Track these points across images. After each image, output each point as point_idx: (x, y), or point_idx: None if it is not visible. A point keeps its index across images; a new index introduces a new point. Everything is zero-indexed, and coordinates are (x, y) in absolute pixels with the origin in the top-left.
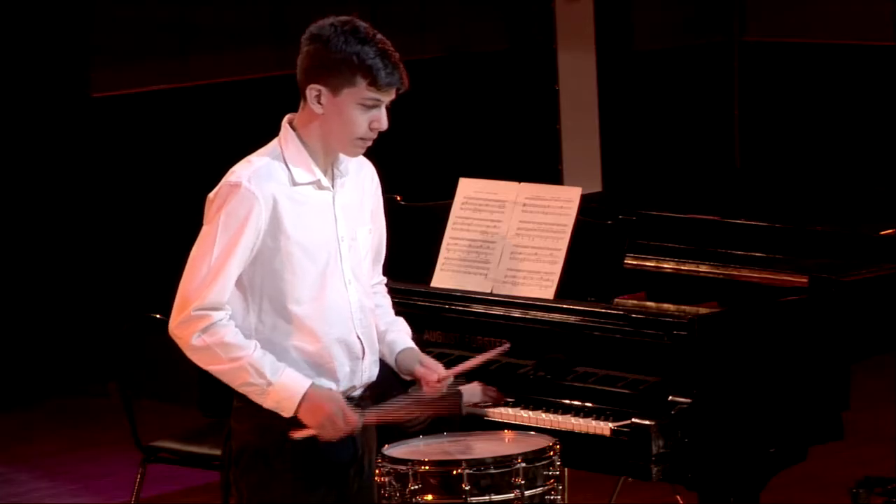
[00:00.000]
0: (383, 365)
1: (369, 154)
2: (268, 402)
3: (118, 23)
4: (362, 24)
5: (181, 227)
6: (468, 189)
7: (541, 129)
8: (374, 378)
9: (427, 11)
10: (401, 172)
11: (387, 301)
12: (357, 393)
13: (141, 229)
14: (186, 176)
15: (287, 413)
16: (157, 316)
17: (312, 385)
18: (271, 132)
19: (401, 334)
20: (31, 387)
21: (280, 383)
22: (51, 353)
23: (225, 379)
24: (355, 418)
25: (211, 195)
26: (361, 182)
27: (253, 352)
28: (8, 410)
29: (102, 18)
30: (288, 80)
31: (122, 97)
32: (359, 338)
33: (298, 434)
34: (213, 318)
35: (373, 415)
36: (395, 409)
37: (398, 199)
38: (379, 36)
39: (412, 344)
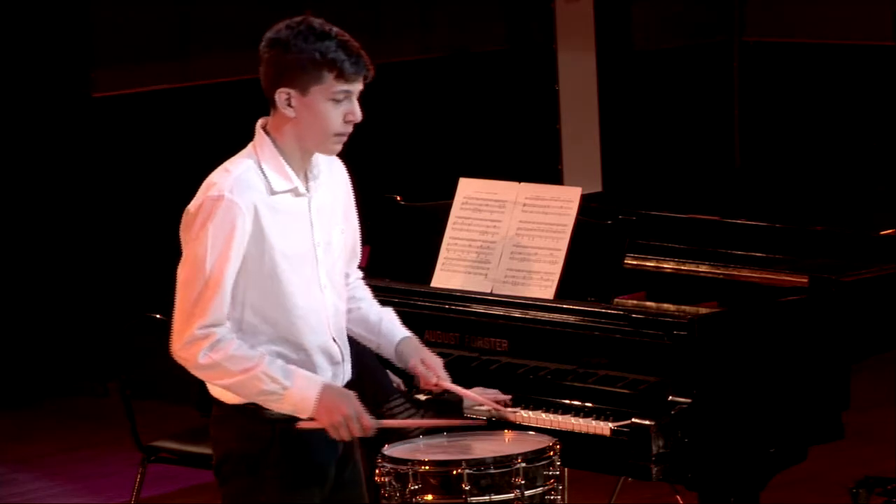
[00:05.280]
0: (380, 361)
1: (366, 154)
2: (285, 407)
3: (119, 23)
4: (317, 21)
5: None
6: (468, 189)
7: (541, 129)
8: (350, 377)
9: (427, 12)
10: (401, 172)
11: (368, 293)
12: None
13: (141, 229)
14: (187, 176)
15: (305, 414)
16: (157, 316)
17: (326, 384)
18: None
19: (395, 323)
20: (30, 387)
21: (296, 386)
22: (50, 353)
23: (239, 391)
24: (370, 424)
25: (192, 209)
26: (333, 182)
27: (262, 359)
28: (8, 410)
29: (103, 18)
30: None
31: (123, 97)
32: (335, 341)
33: (306, 426)
34: (218, 335)
35: (388, 423)
36: (412, 422)
37: (398, 199)
38: (336, 29)
39: (409, 333)
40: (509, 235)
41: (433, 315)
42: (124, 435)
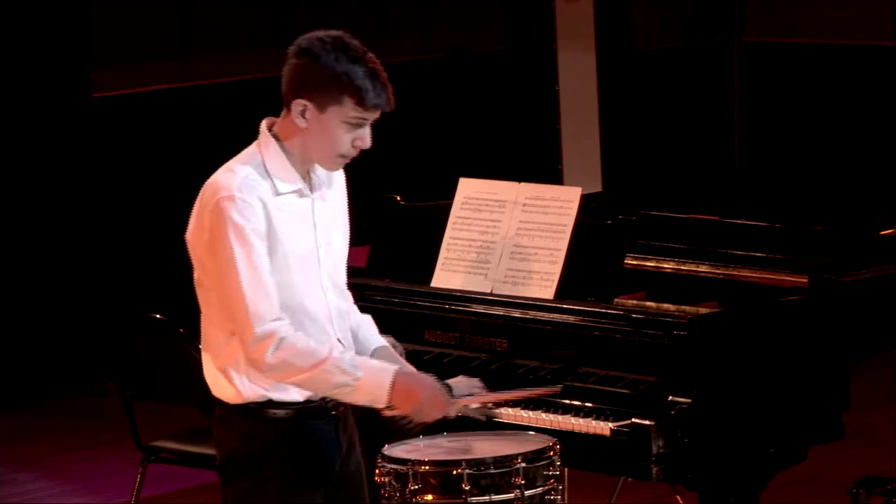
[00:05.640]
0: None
1: (367, 153)
2: (361, 398)
3: (119, 23)
4: (353, 42)
5: (181, 227)
6: (468, 189)
7: (541, 129)
8: None
9: (427, 12)
10: (401, 172)
11: (349, 299)
12: None
13: (141, 229)
14: (187, 176)
15: (381, 404)
16: (157, 316)
17: (399, 370)
18: None
19: (372, 331)
20: (30, 387)
21: (367, 376)
22: (50, 353)
23: (311, 387)
24: (447, 406)
25: (203, 215)
26: (332, 184)
27: (331, 353)
28: (8, 410)
29: (103, 18)
30: None
31: (123, 97)
32: (340, 342)
33: (388, 414)
34: (279, 333)
35: (465, 402)
36: (490, 397)
37: (398, 199)
38: (370, 55)
39: (384, 342)
40: (509, 235)
41: (433, 315)
42: (124, 435)
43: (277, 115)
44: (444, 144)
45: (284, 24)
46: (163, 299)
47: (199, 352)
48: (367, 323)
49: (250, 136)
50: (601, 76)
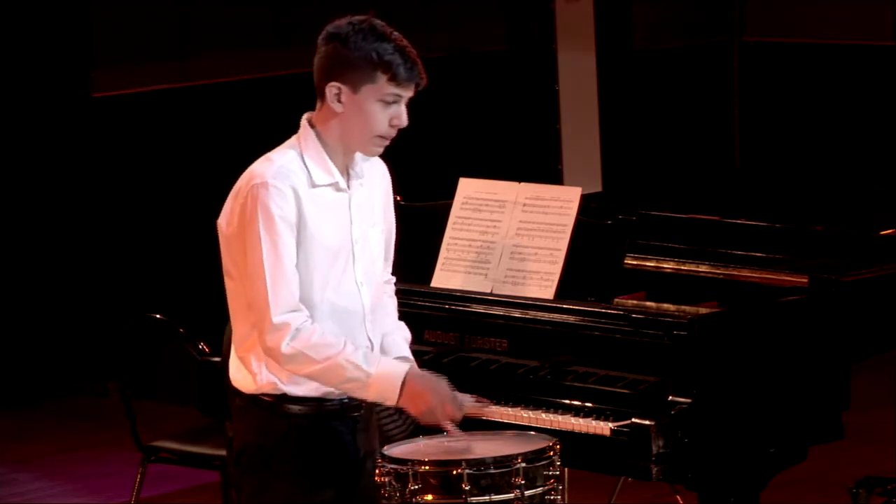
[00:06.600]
0: None
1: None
2: (371, 395)
3: (119, 23)
4: (379, 22)
5: (181, 227)
6: (468, 189)
7: (541, 129)
8: None
9: (427, 12)
10: (401, 172)
11: (393, 303)
12: None
13: (141, 229)
14: (187, 176)
15: (391, 402)
16: (157, 316)
17: (410, 370)
18: (273, 132)
19: (398, 339)
20: (30, 387)
21: (379, 373)
22: (50, 353)
23: (323, 380)
24: (455, 411)
25: (237, 201)
26: (373, 180)
27: (344, 347)
28: (8, 410)
29: (103, 18)
30: (289, 79)
31: (123, 97)
32: (369, 339)
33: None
34: (294, 324)
35: (475, 408)
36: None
37: (398, 199)
38: (396, 33)
39: (408, 353)
40: (509, 235)
41: (433, 315)
42: (124, 435)
43: (279, 115)
44: (443, 144)
45: (284, 24)
46: (163, 299)
47: (198, 352)
48: (398, 329)
49: (250, 135)
50: (601, 76)
